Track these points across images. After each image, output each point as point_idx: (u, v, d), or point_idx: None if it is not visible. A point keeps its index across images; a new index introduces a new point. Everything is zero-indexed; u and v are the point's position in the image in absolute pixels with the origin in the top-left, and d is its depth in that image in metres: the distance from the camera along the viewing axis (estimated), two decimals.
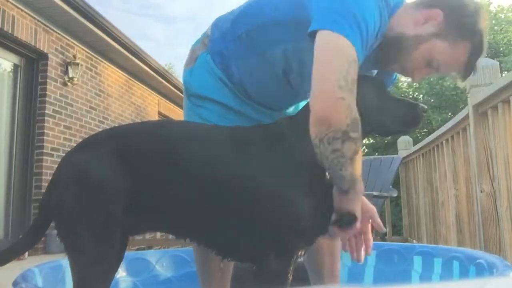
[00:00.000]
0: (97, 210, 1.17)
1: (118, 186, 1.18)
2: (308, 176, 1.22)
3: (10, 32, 4.55)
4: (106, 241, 1.17)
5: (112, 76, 6.61)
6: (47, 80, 5.09)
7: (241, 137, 1.29)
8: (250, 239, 1.26)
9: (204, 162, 1.24)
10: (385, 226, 6.12)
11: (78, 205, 1.17)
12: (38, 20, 4.97)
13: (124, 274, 2.06)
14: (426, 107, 1.30)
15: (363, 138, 1.24)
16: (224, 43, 1.44)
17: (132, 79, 7.21)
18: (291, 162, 1.23)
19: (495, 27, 15.33)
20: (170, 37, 45.24)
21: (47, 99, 5.05)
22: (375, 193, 4.00)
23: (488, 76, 2.49)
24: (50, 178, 1.25)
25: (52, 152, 5.08)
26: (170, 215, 1.27)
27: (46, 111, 5.03)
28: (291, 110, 1.57)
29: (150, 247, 3.99)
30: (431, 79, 14.35)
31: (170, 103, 8.90)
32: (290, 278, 1.28)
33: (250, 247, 1.28)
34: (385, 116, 1.28)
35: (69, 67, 5.38)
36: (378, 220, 1.38)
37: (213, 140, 1.29)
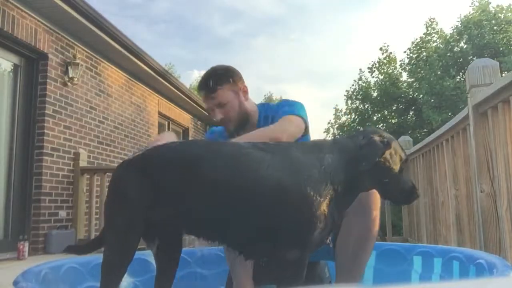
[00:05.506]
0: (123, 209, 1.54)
1: (140, 194, 1.50)
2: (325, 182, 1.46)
3: (10, 32, 4.55)
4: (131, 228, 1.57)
5: (112, 76, 6.61)
6: (47, 80, 5.08)
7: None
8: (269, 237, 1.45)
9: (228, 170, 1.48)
10: (385, 226, 6.10)
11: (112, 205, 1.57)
12: (38, 20, 4.97)
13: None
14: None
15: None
16: None
17: (132, 79, 7.20)
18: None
19: (495, 27, 15.31)
20: (155, 38, 45.41)
21: (47, 99, 5.04)
22: None
23: (488, 76, 2.49)
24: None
25: (52, 152, 5.07)
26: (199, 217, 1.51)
27: (46, 111, 5.02)
28: None
29: None
30: (431, 79, 14.33)
31: (170, 103, 8.90)
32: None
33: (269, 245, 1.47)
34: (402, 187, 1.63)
35: (69, 67, 5.38)
36: None
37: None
